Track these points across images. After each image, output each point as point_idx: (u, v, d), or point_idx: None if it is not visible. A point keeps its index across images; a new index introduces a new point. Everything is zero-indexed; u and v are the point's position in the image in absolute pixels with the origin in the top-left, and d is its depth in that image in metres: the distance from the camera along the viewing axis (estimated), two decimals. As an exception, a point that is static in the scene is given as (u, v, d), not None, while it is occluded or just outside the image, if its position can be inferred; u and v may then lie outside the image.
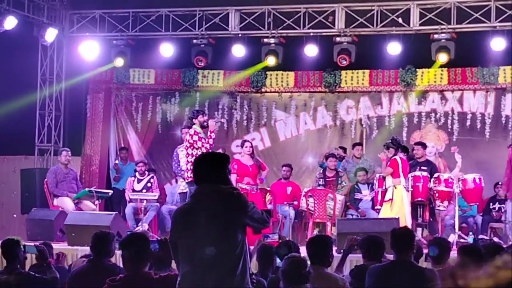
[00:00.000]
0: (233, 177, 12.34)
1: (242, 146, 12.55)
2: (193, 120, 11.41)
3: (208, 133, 11.26)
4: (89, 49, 14.78)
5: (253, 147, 12.74)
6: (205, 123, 11.37)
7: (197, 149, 11.08)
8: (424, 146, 12.97)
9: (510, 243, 10.83)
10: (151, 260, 5.65)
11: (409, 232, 6.45)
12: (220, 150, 14.21)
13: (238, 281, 4.87)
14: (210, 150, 10.99)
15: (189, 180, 11.07)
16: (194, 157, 11.02)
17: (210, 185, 5.03)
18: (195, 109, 12.39)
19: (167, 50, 14.55)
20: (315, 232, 12.32)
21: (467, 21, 13.36)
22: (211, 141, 11.18)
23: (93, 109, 15.84)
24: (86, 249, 8.61)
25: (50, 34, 14.39)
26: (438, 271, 6.01)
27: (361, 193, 13.05)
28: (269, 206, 13.47)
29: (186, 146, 11.33)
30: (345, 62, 13.96)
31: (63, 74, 15.17)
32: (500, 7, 13.12)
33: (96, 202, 12.86)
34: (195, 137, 11.14)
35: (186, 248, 4.94)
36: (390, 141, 11.75)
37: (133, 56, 14.80)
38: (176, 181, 13.44)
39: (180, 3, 14.48)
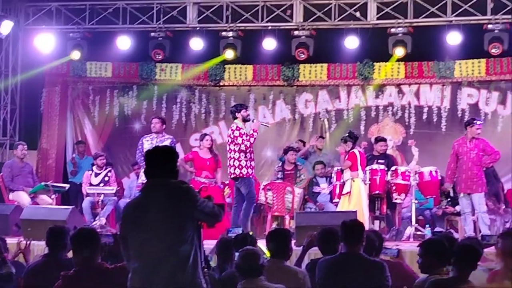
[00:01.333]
0: (187, 166, 12.33)
1: (201, 140, 12.47)
2: (236, 114, 11.26)
3: (251, 131, 11.11)
4: (45, 41, 14.60)
5: (213, 141, 12.65)
6: (248, 118, 11.25)
7: (236, 145, 11.03)
8: (385, 140, 13.04)
9: (465, 235, 10.96)
10: (102, 253, 5.65)
11: (359, 224, 6.49)
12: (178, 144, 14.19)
13: (189, 275, 4.88)
14: (250, 149, 11.00)
15: (232, 176, 11.15)
16: (235, 153, 11.03)
17: (159, 179, 5.03)
18: (238, 103, 12.15)
19: (124, 43, 14.44)
20: (274, 225, 12.33)
21: (424, 15, 13.48)
22: (252, 139, 11.05)
23: (49, 102, 15.67)
24: (42, 244, 8.51)
25: (6, 27, 14.18)
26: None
27: (319, 186, 13.09)
28: (228, 200, 13.46)
29: (228, 141, 11.25)
30: (303, 56, 14.00)
31: (19, 67, 14.97)
32: (456, 1, 13.26)
33: (53, 196, 12.73)
34: (236, 133, 11.06)
35: (136, 243, 4.93)
36: (347, 134, 11.82)
37: (90, 49, 14.65)
38: (137, 175, 13.31)
39: (138, -4, 14.39)
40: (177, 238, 4.87)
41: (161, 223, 4.88)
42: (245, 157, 11.06)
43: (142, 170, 12.20)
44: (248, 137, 11.03)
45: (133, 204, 5.15)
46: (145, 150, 11.41)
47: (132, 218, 5.00)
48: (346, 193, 11.46)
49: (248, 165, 11.08)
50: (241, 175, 11.07)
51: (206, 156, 12.23)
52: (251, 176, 11.18)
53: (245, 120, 11.22)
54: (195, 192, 5.09)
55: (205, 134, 12.71)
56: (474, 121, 11.53)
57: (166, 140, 12.05)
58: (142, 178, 12.15)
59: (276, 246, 6.37)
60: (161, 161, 5.08)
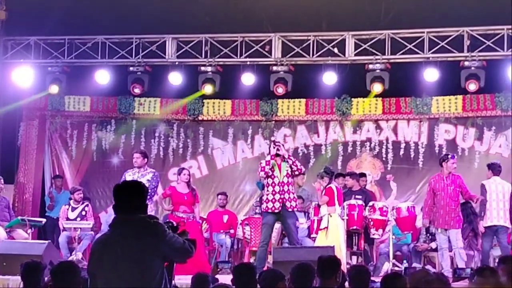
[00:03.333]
0: (165, 202, 12.29)
1: (179, 174, 12.42)
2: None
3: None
4: (24, 75, 14.53)
5: (190, 176, 12.60)
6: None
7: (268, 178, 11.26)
8: (356, 176, 13.08)
9: (442, 271, 10.96)
10: (81, 287, 5.61)
11: (335, 259, 6.50)
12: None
13: None
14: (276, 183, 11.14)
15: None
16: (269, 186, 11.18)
17: (127, 215, 5.00)
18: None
19: (103, 77, 14.42)
20: (252, 260, 12.28)
21: (401, 51, 13.59)
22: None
23: (26, 136, 15.60)
24: (17, 279, 8.44)
25: (-17, 61, 14.14)
26: None
27: (297, 221, 13.06)
28: (206, 235, 13.42)
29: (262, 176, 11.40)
30: (281, 91, 14.05)
31: (-3, 101, 14.90)
32: (433, 38, 13.40)
33: (29, 230, 12.60)
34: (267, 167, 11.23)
35: (104, 279, 4.89)
36: (323, 170, 11.81)
37: (69, 83, 14.61)
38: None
39: (117, 31, 14.39)
40: (144, 275, 4.84)
41: (129, 260, 4.85)
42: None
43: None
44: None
45: (102, 241, 5.13)
46: None
47: (100, 254, 4.98)
48: (323, 228, 11.44)
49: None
50: None
51: (184, 190, 12.14)
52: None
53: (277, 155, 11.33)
54: (164, 227, 5.07)
55: (183, 168, 12.64)
56: (448, 156, 11.62)
57: (148, 174, 12.00)
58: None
59: (241, 280, 6.33)
60: (129, 196, 5.05)
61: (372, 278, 7.19)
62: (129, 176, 12.06)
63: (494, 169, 11.99)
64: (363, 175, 13.32)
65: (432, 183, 11.60)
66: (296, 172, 11.33)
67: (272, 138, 13.41)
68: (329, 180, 11.65)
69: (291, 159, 11.34)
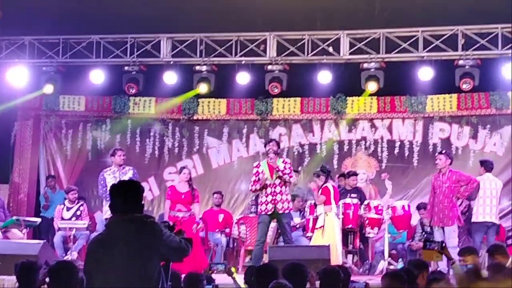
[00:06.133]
0: (167, 203, 12.22)
1: (179, 173, 12.33)
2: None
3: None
4: (18, 75, 14.49)
5: (191, 175, 12.51)
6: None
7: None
8: (355, 174, 13.13)
9: (438, 269, 10.97)
10: (78, 287, 5.60)
11: (336, 272, 6.53)
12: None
13: None
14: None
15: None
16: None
17: (123, 214, 4.99)
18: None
19: (97, 76, 14.39)
20: (247, 259, 12.29)
21: (396, 50, 13.60)
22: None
23: (21, 136, 15.58)
24: (13, 279, 8.42)
25: (-22, 60, 14.11)
26: None
27: (292, 220, 13.08)
28: (201, 234, 13.41)
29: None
30: (276, 90, 14.03)
31: (-9, 100, 14.87)
32: (428, 37, 13.41)
33: (24, 230, 12.62)
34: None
35: (100, 279, 4.89)
36: (319, 169, 11.83)
37: (63, 82, 14.58)
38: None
39: (112, 30, 14.37)
40: (141, 274, 4.84)
41: (126, 260, 4.85)
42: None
43: (107, 205, 12.16)
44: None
45: (98, 240, 5.13)
46: (108, 184, 11.34)
47: (97, 254, 4.97)
48: (320, 227, 11.45)
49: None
50: None
51: (183, 189, 12.03)
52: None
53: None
54: (160, 226, 5.07)
55: (183, 167, 12.51)
56: (435, 155, 11.74)
57: (129, 172, 11.96)
58: (108, 213, 12.02)
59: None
60: (126, 195, 5.05)
61: (358, 278, 7.20)
62: (108, 175, 11.93)
63: (487, 166, 12.10)
64: (354, 174, 13.30)
65: (432, 181, 11.67)
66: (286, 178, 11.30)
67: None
68: (326, 179, 11.65)
69: (286, 163, 11.33)
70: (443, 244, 7.28)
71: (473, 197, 11.79)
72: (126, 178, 11.39)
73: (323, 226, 11.44)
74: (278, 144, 11.80)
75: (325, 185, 11.61)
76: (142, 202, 5.14)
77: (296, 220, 13.03)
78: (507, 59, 13.00)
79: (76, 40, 14.56)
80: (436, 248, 7.22)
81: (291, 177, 11.29)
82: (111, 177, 11.79)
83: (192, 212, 11.99)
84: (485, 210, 11.79)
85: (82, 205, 13.40)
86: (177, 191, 12.07)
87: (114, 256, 4.87)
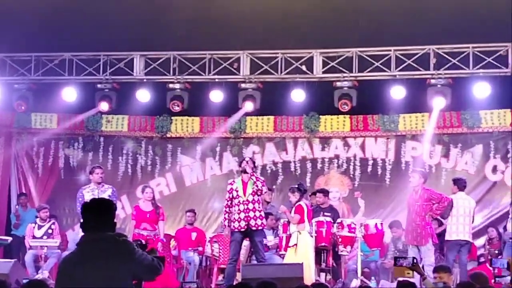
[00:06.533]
0: (131, 224, 12.20)
1: (142, 192, 12.42)
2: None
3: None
4: (-11, 93, 14.39)
5: (154, 193, 12.56)
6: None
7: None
8: (326, 193, 13.11)
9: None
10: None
11: None
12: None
13: None
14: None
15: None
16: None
17: (95, 233, 4.96)
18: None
19: (70, 94, 14.28)
20: (220, 278, 12.23)
21: (368, 69, 13.67)
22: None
23: (-8, 154, 15.45)
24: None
25: None
26: None
27: (266, 238, 13.05)
28: (174, 252, 13.35)
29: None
30: (249, 108, 14.04)
31: (-38, 119, 14.73)
32: (400, 56, 13.49)
33: (-6, 249, 12.49)
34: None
35: None
36: (297, 186, 11.80)
37: (35, 100, 14.46)
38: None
39: (84, 48, 14.30)
40: None
41: (98, 279, 4.81)
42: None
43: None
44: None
45: (69, 259, 5.08)
46: None
47: (68, 273, 4.92)
48: (293, 245, 11.43)
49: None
50: None
51: (147, 208, 12.14)
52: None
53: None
54: (133, 245, 5.04)
55: (146, 186, 12.67)
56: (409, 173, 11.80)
57: (108, 190, 11.91)
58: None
59: None
60: (97, 214, 5.02)
61: None
62: (87, 193, 11.86)
63: (460, 184, 12.17)
64: (321, 191, 13.28)
65: (408, 199, 11.72)
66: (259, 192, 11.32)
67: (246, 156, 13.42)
68: (300, 196, 11.64)
69: (259, 180, 11.34)
70: (415, 261, 7.30)
71: (445, 215, 11.84)
72: (105, 196, 11.30)
73: (296, 244, 11.42)
74: (253, 162, 11.81)
75: (299, 203, 11.60)
76: (115, 221, 5.10)
77: (270, 238, 13.00)
78: (478, 78, 13.12)
79: (48, 57, 14.44)
80: (405, 265, 7.24)
81: (260, 191, 11.29)
82: (89, 194, 11.70)
83: (158, 232, 12.03)
84: (458, 229, 11.86)
85: (53, 223, 13.29)
86: (141, 210, 12.12)
87: (85, 275, 4.83)
